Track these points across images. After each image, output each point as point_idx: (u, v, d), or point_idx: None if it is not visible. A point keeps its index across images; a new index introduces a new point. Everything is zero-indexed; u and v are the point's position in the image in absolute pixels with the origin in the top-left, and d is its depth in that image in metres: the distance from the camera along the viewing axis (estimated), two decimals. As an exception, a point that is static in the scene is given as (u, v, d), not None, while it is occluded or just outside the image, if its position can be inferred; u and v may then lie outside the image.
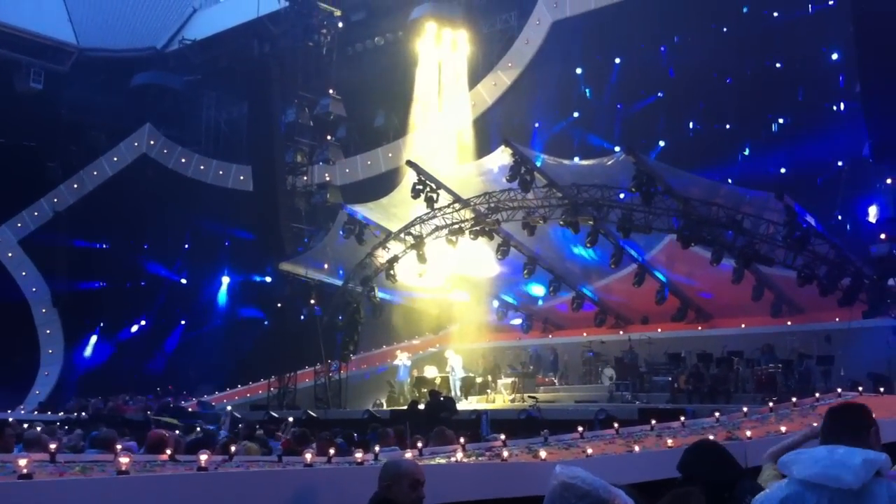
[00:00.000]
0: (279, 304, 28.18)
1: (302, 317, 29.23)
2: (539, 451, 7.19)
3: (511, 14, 32.08)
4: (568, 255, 24.35)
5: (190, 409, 24.55)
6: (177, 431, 11.84)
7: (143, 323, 38.36)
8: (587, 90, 31.22)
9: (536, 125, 31.29)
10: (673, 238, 20.15)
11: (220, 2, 37.83)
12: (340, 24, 33.19)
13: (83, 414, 23.10)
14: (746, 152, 28.06)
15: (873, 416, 3.37)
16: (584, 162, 22.25)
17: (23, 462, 4.02)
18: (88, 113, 37.63)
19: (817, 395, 12.39)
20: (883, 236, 20.93)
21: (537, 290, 26.09)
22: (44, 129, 36.06)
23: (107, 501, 4.04)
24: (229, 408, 22.37)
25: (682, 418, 10.23)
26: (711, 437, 6.96)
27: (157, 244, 38.69)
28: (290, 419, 15.83)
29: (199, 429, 14.83)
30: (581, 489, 2.77)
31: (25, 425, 13.84)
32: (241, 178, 34.19)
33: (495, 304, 27.76)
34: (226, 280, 38.01)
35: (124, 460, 4.27)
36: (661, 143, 28.61)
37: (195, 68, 37.17)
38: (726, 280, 19.86)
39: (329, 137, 32.65)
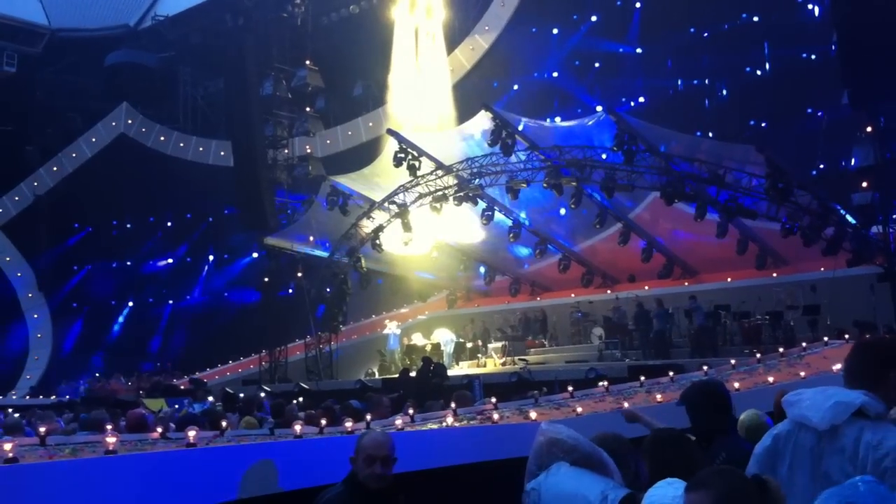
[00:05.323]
0: (266, 279, 28.12)
1: (290, 290, 29.23)
2: (530, 412, 7.24)
3: (486, -24, 31.68)
4: (553, 217, 24.34)
5: (182, 387, 24.60)
6: (162, 410, 11.82)
7: (130, 304, 38.28)
8: (564, 50, 31.07)
9: (515, 87, 31.16)
10: (656, 195, 20.17)
11: (191, -24, 37.21)
12: (313, -6, 32.78)
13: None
14: (726, 105, 28.09)
15: None
16: (565, 123, 22.21)
17: (8, 446, 3.99)
18: (64, 94, 37.19)
19: (804, 344, 12.51)
20: (864, 184, 21.02)
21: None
22: (20, 112, 35.72)
23: (95, 481, 4.02)
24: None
25: (671, 373, 10.31)
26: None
27: (140, 224, 38.49)
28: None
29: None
30: (567, 444, 2.86)
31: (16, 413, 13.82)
32: (222, 153, 33.89)
33: (482, 269, 27.76)
34: (211, 257, 37.93)
35: (111, 440, 4.25)
36: (641, 99, 28.60)
37: (169, 45, 36.66)
38: (711, 235, 19.94)
39: (308, 109, 32.45)
